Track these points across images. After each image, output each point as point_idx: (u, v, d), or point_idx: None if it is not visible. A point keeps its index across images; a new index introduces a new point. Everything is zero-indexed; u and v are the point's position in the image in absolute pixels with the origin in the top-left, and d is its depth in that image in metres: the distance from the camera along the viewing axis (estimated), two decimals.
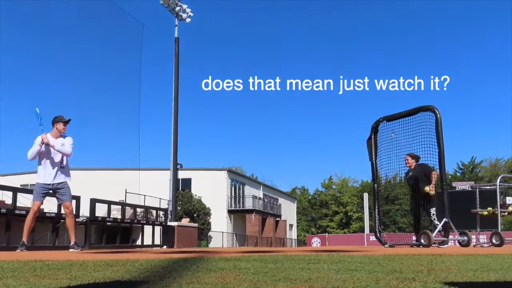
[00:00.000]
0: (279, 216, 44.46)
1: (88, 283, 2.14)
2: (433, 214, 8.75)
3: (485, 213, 11.13)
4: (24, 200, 16.29)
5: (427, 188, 8.74)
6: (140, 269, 2.85)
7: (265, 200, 42.19)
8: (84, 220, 11.70)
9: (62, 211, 10.52)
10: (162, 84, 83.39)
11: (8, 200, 14.20)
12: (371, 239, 23.45)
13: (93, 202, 11.82)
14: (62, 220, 11.11)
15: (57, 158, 7.23)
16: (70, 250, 7.36)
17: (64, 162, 7.32)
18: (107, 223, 13.00)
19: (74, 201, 9.14)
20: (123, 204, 15.17)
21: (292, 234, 51.19)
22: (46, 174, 7.23)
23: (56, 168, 7.24)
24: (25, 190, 15.61)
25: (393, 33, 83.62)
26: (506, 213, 10.25)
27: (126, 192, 25.43)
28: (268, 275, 2.37)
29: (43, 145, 7.09)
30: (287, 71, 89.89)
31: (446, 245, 8.88)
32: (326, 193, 66.73)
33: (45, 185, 7.24)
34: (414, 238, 9.18)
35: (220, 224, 35.78)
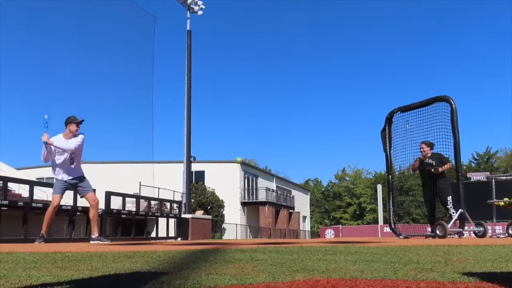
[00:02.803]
0: (293, 208, 44.48)
1: (109, 274, 2.17)
2: (450, 202, 8.68)
3: (502, 203, 11.04)
4: (41, 193, 16.51)
5: (435, 167, 8.69)
6: (159, 260, 2.89)
7: (278, 192, 42.21)
8: (100, 213, 11.82)
9: (79, 204, 10.66)
10: (174, 77, 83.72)
11: (25, 194, 14.38)
12: (385, 231, 23.38)
13: (108, 194, 11.95)
14: (77, 213, 11.25)
15: (65, 156, 7.29)
16: (95, 242, 7.37)
17: (74, 161, 7.38)
18: (122, 216, 13.12)
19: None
20: (137, 197, 15.29)
21: (306, 226, 51.21)
22: (61, 172, 7.34)
23: (67, 166, 7.33)
24: (42, 183, 15.85)
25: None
26: None
27: (140, 185, 25.59)
28: (286, 266, 2.38)
29: (50, 146, 7.16)
30: (299, 64, 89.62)
31: (462, 236, 8.83)
32: (340, 185, 66.55)
33: (62, 181, 7.36)
34: (429, 229, 9.12)
35: (234, 216, 35.90)
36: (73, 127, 7.23)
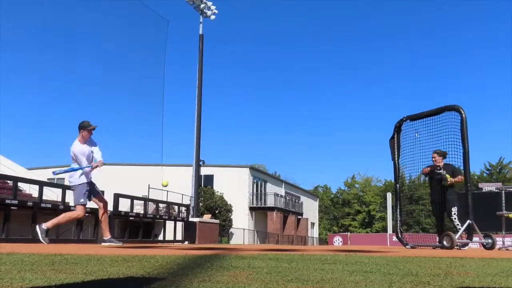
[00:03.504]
0: (301, 214, 44.34)
1: (102, 279, 2.17)
2: (454, 214, 8.61)
3: (511, 215, 10.90)
4: (51, 194, 16.62)
5: (447, 176, 8.62)
6: (155, 265, 2.88)
7: (287, 198, 42.13)
8: (108, 215, 11.87)
9: (87, 205, 10.73)
10: (185, 81, 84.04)
11: (36, 194, 14.48)
12: (394, 240, 23.20)
13: (117, 197, 11.98)
14: (86, 214, 11.32)
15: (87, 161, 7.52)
16: (106, 244, 7.45)
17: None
18: (130, 218, 13.15)
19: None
20: (146, 200, 15.31)
21: (314, 232, 51.02)
22: (86, 175, 7.53)
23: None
24: (52, 184, 15.93)
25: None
26: None
27: (149, 188, 25.69)
28: (281, 275, 2.37)
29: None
30: (311, 70, 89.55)
31: (467, 247, 8.73)
32: (349, 192, 66.29)
33: (86, 185, 7.52)
34: (437, 239, 9.04)
35: (242, 221, 35.87)
36: (85, 133, 7.38)
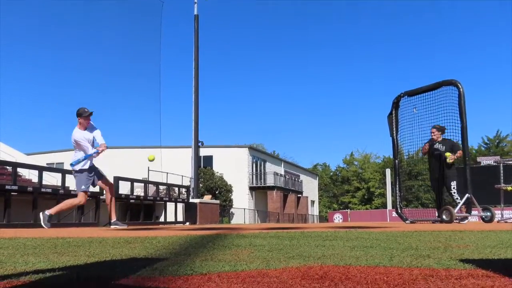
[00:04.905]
0: (301, 193, 44.57)
1: (105, 260, 2.19)
2: (453, 188, 8.66)
3: (509, 188, 10.97)
4: (50, 178, 16.65)
5: (448, 154, 8.64)
6: (157, 246, 2.90)
7: (286, 176, 42.27)
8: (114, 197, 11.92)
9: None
10: (182, 63, 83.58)
11: (35, 179, 14.52)
12: (393, 215, 23.35)
13: (117, 180, 12.02)
14: (88, 198, 11.38)
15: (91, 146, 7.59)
16: (112, 226, 7.57)
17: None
18: (131, 201, 13.21)
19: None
20: (146, 182, 15.38)
21: (314, 210, 51.33)
22: (89, 161, 7.57)
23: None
24: (51, 168, 15.97)
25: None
26: None
27: (148, 170, 25.74)
28: (282, 252, 2.39)
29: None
30: (308, 50, 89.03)
31: (466, 221, 8.80)
32: (348, 169, 66.49)
33: (88, 171, 7.53)
34: (436, 214, 9.10)
35: (242, 201, 36.05)
36: (82, 119, 7.43)
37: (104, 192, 8.04)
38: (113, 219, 7.72)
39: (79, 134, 7.36)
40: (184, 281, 1.53)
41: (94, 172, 7.62)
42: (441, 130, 9.01)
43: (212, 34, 77.11)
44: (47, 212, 7.39)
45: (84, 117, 7.38)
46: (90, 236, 3.89)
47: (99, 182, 7.73)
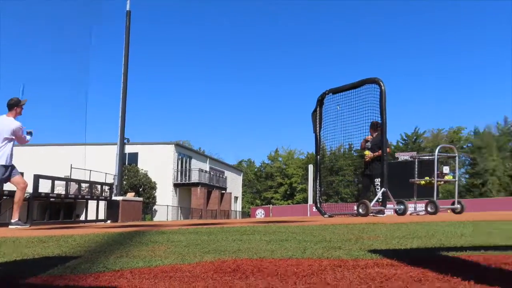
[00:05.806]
0: (225, 189, 44.68)
1: (16, 260, 2.11)
2: (377, 184, 9.07)
3: (422, 182, 11.56)
4: None
5: (367, 152, 9.04)
6: (73, 244, 2.82)
7: (211, 173, 42.24)
8: (27, 197, 11.33)
9: (5, 187, 10.19)
10: (110, 58, 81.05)
11: None
12: (314, 210, 23.97)
13: (37, 178, 11.46)
14: (4, 197, 10.75)
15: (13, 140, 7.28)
16: (13, 226, 7.19)
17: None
18: (51, 199, 12.66)
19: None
20: (67, 180, 14.77)
21: (237, 206, 51.65)
22: (8, 157, 7.22)
23: (11, 149, 7.32)
24: None
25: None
26: (442, 182, 10.60)
27: (71, 168, 24.84)
28: (199, 247, 2.40)
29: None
30: (234, 48, 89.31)
31: (383, 215, 9.22)
32: (272, 165, 67.48)
33: (3, 167, 7.16)
34: (355, 207, 9.44)
35: (166, 198, 35.62)
36: (19, 109, 7.23)
37: (16, 190, 7.61)
38: (15, 218, 7.36)
39: (19, 123, 7.09)
40: (95, 279, 1.51)
41: (11, 169, 7.25)
42: (373, 126, 9.35)
43: (139, 29, 75.28)
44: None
45: (21, 105, 7.19)
46: (4, 236, 3.70)
47: (15, 179, 7.35)
